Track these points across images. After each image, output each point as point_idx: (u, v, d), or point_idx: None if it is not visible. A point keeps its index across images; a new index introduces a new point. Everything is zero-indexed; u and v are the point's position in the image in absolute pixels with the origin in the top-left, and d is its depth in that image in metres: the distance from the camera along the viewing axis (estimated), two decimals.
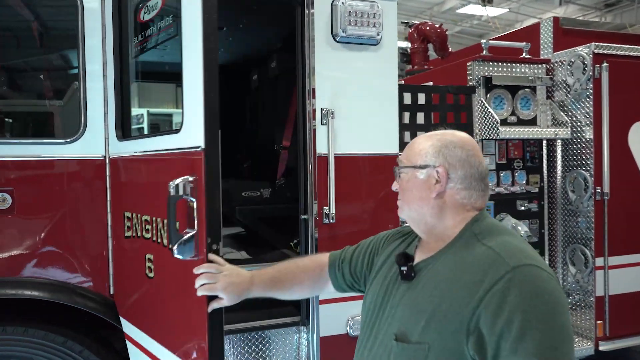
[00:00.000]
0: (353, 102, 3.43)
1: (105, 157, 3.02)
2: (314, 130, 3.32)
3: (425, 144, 1.70)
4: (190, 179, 2.13)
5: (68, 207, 3.01)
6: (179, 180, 2.12)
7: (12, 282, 2.85)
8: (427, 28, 5.62)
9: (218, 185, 2.15)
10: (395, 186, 1.80)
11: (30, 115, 3.33)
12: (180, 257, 2.15)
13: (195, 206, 2.13)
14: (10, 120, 3.25)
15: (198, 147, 2.14)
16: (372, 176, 3.51)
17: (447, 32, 5.62)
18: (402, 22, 5.34)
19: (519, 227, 4.39)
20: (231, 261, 3.80)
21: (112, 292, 3.07)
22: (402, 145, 3.67)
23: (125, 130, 2.94)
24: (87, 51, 2.96)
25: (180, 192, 2.12)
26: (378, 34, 3.41)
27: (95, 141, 2.98)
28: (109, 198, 3.05)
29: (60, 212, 2.99)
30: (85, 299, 2.95)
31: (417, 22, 5.71)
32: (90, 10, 2.95)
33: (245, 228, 4.65)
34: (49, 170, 2.96)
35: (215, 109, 2.13)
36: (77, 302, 2.86)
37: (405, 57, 5.70)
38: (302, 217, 3.41)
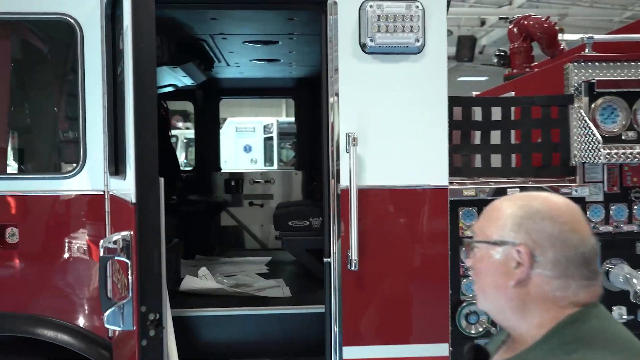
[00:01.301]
0: (386, 124, 2.84)
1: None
2: (336, 157, 2.81)
3: (504, 211, 1.31)
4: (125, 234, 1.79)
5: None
6: (114, 237, 1.79)
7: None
8: (531, 23, 4.66)
9: (158, 244, 1.79)
10: (468, 263, 1.44)
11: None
12: (110, 327, 1.82)
13: (129, 267, 1.79)
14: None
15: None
16: (410, 215, 2.88)
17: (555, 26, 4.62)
18: (500, 18, 4.49)
19: (635, 280, 3.36)
20: (271, 300, 3.59)
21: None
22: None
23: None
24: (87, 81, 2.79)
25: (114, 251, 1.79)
26: (417, 40, 2.77)
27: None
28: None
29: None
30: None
31: (518, 16, 4.78)
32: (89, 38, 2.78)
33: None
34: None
35: (150, 154, 1.77)
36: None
37: (502, 59, 4.81)
38: (325, 260, 2.91)
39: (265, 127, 15.14)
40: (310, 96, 6.05)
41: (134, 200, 1.69)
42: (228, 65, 5.09)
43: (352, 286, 2.86)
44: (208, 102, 6.15)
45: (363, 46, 2.80)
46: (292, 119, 14.75)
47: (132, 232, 1.70)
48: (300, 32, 3.92)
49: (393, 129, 2.85)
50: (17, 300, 2.81)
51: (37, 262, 2.84)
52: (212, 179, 6.16)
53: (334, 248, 2.85)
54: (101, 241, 1.72)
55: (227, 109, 17.16)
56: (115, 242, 1.71)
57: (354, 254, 2.74)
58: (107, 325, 1.80)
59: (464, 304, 2.99)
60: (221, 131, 15.21)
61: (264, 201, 6.16)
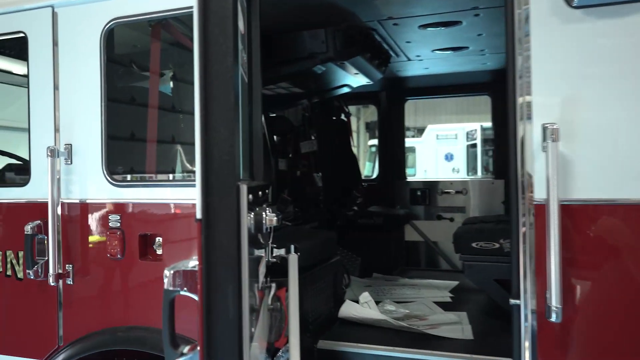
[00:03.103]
0: (604, 111, 1.93)
1: None
2: (527, 159, 2.00)
3: None
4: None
5: None
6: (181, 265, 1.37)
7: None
8: None
9: (234, 278, 1.32)
10: None
11: None
12: None
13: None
14: None
15: None
16: None
17: None
18: None
19: None
20: (446, 342, 2.84)
21: None
22: None
23: None
24: None
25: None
26: None
27: None
28: None
29: None
30: None
31: None
32: None
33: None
34: None
35: (224, 148, 1.30)
36: None
37: None
38: (513, 302, 2.11)
39: (468, 133, 14.08)
40: None
41: (198, 216, 1.21)
42: (409, 59, 4.48)
43: (552, 344, 2.00)
44: (392, 104, 5.62)
45: None
46: None
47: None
48: (487, 5, 3.12)
49: (615, 117, 1.92)
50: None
51: None
52: (396, 188, 5.60)
53: (525, 286, 2.04)
54: (166, 269, 1.28)
55: (424, 117, 16.55)
56: (179, 273, 1.26)
57: (554, 299, 1.89)
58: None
59: None
60: (421, 139, 14.82)
61: (455, 214, 5.36)
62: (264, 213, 1.68)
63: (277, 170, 5.13)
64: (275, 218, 1.75)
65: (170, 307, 1.29)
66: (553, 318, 1.90)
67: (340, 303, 3.21)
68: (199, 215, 1.22)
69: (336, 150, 5.20)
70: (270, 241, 2.20)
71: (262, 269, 1.86)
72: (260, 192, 1.87)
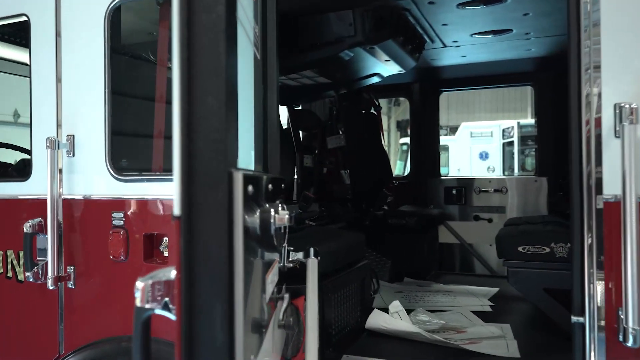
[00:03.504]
0: None
1: None
2: (593, 148, 1.65)
3: None
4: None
5: None
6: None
7: None
8: None
9: (224, 295, 1.02)
10: None
11: None
12: None
13: None
14: None
15: None
16: None
17: None
18: None
19: None
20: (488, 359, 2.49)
21: None
22: None
23: None
24: None
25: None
26: None
27: None
28: None
29: None
30: None
31: None
32: None
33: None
34: None
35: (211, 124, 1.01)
36: None
37: None
38: (574, 319, 1.77)
39: (504, 130, 13.50)
40: (557, 80, 4.66)
41: (176, 212, 0.92)
42: (445, 46, 4.12)
43: None
44: (426, 96, 5.26)
45: None
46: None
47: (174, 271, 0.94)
48: None
49: None
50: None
51: None
52: (429, 187, 5.23)
53: (591, 301, 1.69)
54: (138, 279, 0.99)
55: (457, 116, 16.00)
56: (157, 285, 0.97)
57: (632, 318, 1.54)
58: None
59: None
60: (455, 137, 14.31)
61: (494, 215, 4.97)
62: (272, 210, 1.37)
63: (302, 166, 4.84)
64: (287, 216, 1.44)
65: (143, 330, 1.00)
66: (630, 342, 1.55)
67: (367, 312, 2.89)
68: (176, 211, 0.93)
69: (365, 145, 4.87)
70: (286, 243, 1.91)
71: (272, 277, 1.56)
72: (269, 185, 1.57)
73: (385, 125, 17.41)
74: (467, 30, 3.71)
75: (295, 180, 4.90)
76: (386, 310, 2.87)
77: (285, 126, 4.84)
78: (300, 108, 5.24)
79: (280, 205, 1.76)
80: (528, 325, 3.02)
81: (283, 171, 3.04)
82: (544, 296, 2.66)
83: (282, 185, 2.00)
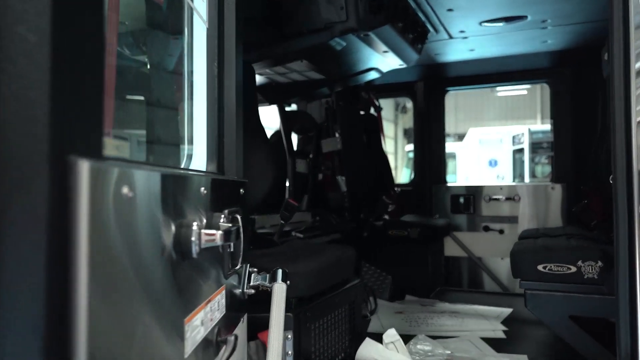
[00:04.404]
0: None
1: None
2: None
3: None
4: None
5: None
6: None
7: None
8: None
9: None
10: None
11: None
12: None
13: None
14: None
15: None
16: None
17: None
18: None
19: None
20: None
21: None
22: None
23: None
24: None
25: None
26: None
27: None
28: None
29: None
30: None
31: None
32: None
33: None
34: None
35: None
36: None
37: None
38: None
39: (514, 137, 13.01)
40: (575, 76, 4.23)
41: None
42: (451, 37, 3.69)
43: None
44: (430, 95, 4.83)
45: None
46: (548, 127, 12.38)
47: None
48: None
49: None
50: None
51: None
52: (434, 194, 4.79)
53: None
54: None
55: (466, 123, 15.52)
56: None
57: None
58: None
59: None
60: (462, 144, 13.84)
61: (505, 225, 4.53)
62: (195, 224, 0.96)
63: (294, 172, 4.42)
64: (221, 234, 1.03)
65: None
66: None
67: (359, 340, 2.45)
68: None
69: (364, 149, 4.44)
70: (242, 264, 1.49)
71: (206, 315, 1.13)
72: (208, 189, 1.16)
73: (392, 133, 16.98)
74: (475, 17, 3.29)
75: (288, 187, 4.48)
76: (382, 337, 2.43)
77: (277, 128, 4.43)
78: (294, 109, 4.83)
79: (230, 215, 1.34)
80: (548, 357, 2.57)
81: (270, 177, 2.62)
82: (570, 325, 2.21)
83: (241, 191, 1.58)
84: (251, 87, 2.60)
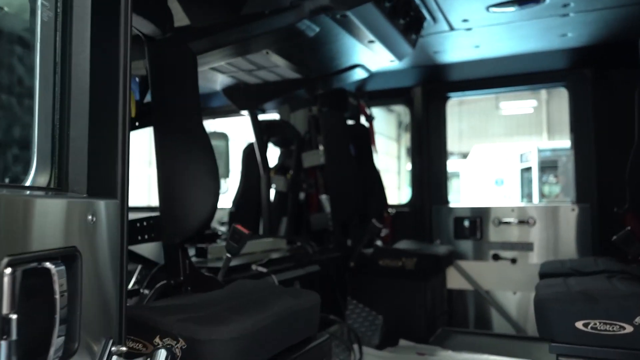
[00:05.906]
0: None
1: None
2: None
3: None
4: None
5: None
6: None
7: None
8: None
9: None
10: None
11: None
12: None
13: None
14: None
15: None
16: None
17: None
18: None
19: None
20: None
21: None
22: None
23: None
24: None
25: None
26: None
27: None
28: None
29: None
30: None
31: None
32: None
33: None
34: None
35: None
36: None
37: None
38: None
39: (522, 155, 12.38)
40: (599, 78, 3.59)
41: None
42: (452, 29, 3.07)
43: None
44: (430, 102, 4.20)
45: None
46: (556, 145, 11.72)
47: None
48: None
49: None
50: None
51: None
52: (435, 216, 4.13)
53: None
54: None
55: (468, 140, 14.90)
56: None
57: None
58: None
59: None
60: (465, 161, 13.20)
61: (518, 253, 3.85)
62: None
63: (267, 190, 3.78)
64: None
65: None
66: None
67: None
68: None
69: (352, 164, 3.79)
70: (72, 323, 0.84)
71: None
72: None
73: (395, 152, 16.36)
74: (481, 0, 2.67)
75: (262, 209, 3.83)
76: None
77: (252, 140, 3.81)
78: (274, 118, 4.20)
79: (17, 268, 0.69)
80: None
81: (212, 195, 1.97)
82: None
83: (92, 218, 0.93)
84: (190, 81, 1.97)
